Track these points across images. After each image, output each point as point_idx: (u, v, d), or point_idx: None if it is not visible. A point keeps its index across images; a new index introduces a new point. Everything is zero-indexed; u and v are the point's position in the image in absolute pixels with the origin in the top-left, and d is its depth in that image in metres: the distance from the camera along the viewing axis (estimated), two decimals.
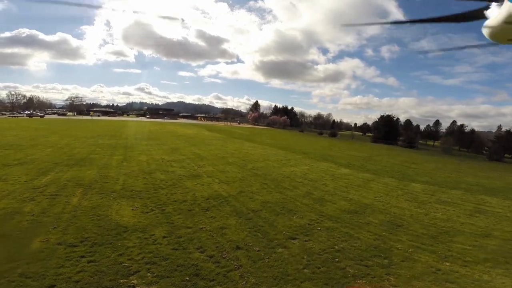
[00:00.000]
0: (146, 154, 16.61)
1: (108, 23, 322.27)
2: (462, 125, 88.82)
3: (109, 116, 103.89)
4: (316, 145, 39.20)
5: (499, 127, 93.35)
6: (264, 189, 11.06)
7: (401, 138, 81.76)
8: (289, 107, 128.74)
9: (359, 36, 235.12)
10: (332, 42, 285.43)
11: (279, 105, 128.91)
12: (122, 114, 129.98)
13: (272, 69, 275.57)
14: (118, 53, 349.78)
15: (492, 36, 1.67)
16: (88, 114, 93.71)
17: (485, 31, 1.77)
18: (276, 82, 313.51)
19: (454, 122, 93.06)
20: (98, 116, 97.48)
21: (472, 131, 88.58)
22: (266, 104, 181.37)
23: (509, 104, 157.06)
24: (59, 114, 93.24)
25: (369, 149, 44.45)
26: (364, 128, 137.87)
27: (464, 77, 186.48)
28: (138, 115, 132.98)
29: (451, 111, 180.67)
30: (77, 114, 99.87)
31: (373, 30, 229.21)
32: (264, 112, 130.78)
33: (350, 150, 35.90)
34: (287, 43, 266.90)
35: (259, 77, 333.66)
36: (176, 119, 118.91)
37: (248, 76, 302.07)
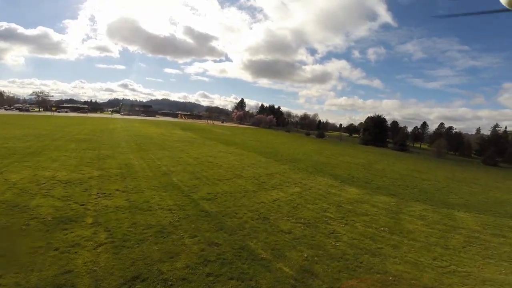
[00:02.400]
0: (33, 168, 10.27)
1: (92, 18, 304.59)
2: (450, 127, 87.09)
3: (78, 113, 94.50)
4: (305, 148, 33.85)
5: (478, 129, 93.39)
6: (212, 275, 5.18)
7: (389, 140, 78.90)
8: (276, 107, 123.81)
9: (347, 37, 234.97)
10: (321, 42, 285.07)
11: (266, 104, 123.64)
12: (95, 111, 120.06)
13: (261, 69, 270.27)
14: (102, 49, 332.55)
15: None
16: (57, 111, 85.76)
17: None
18: (264, 82, 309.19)
19: (442, 124, 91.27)
20: (66, 112, 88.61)
21: (459, 133, 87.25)
22: (253, 103, 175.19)
23: (485, 107, 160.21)
24: (21, 110, 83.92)
25: (363, 153, 39.73)
26: (351, 129, 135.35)
27: (445, 81, 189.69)
28: (113, 112, 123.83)
29: (431, 114, 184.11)
30: (44, 110, 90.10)
31: (361, 32, 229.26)
32: (251, 111, 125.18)
33: (344, 155, 30.78)
34: (276, 42, 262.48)
35: (247, 76, 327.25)
36: (155, 116, 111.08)
37: (236, 74, 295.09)
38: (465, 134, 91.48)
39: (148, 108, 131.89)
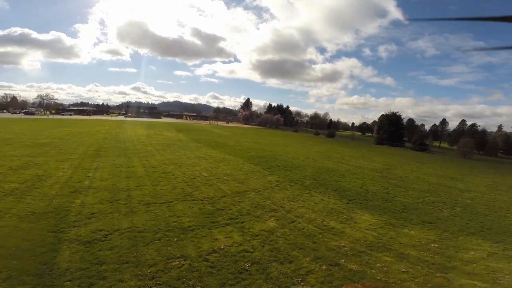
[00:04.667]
0: None
1: (102, 22, 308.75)
2: (473, 125, 79.76)
3: (82, 115, 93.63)
4: (310, 150, 29.37)
5: (500, 126, 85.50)
6: None
7: (406, 139, 72.66)
8: (285, 106, 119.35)
9: (357, 35, 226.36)
10: (330, 41, 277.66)
11: (274, 104, 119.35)
12: (102, 113, 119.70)
13: (269, 69, 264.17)
14: (113, 52, 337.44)
15: None
16: (61, 114, 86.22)
17: None
18: (273, 82, 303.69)
19: (463, 121, 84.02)
20: (70, 115, 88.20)
21: (484, 131, 79.81)
22: (262, 103, 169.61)
23: (504, 104, 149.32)
24: (27, 113, 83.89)
25: (379, 154, 34.75)
26: (364, 127, 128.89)
27: (460, 77, 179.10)
28: (120, 114, 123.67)
29: (447, 111, 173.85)
30: (49, 113, 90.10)
31: (371, 29, 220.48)
32: (259, 112, 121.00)
33: (357, 158, 26.10)
34: (284, 42, 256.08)
35: (256, 77, 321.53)
36: (160, 118, 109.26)
37: (245, 75, 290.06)
38: (489, 132, 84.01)
39: (153, 110, 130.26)
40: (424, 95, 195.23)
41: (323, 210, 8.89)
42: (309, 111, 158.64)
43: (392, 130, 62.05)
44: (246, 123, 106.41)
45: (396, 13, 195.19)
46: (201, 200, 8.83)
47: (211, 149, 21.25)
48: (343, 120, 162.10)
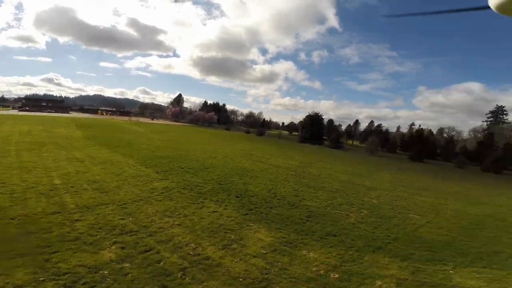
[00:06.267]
0: None
1: (20, 6, 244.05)
2: (379, 125, 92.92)
3: None
4: (233, 148, 27.58)
5: (398, 127, 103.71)
6: None
7: (325, 138, 79.37)
8: (221, 104, 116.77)
9: (296, 39, 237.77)
10: (272, 43, 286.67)
11: (210, 102, 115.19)
12: None
13: (211, 66, 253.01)
14: (25, 39, 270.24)
15: (501, 9, 1.91)
16: None
17: (492, 3, 2.00)
18: (213, 80, 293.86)
19: (372, 122, 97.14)
20: None
21: (387, 131, 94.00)
22: (199, 101, 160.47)
23: (403, 108, 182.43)
24: None
25: (299, 152, 35.64)
26: (291, 127, 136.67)
27: (374, 84, 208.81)
28: (14, 107, 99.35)
29: (360, 114, 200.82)
30: None
31: (309, 35, 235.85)
32: (193, 109, 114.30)
33: (277, 157, 25.53)
34: (230, 40, 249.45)
35: (196, 73, 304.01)
36: (68, 112, 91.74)
37: (183, 71, 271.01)
38: (390, 132, 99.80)
39: (59, 103, 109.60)
40: (344, 99, 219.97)
41: (207, 228, 6.76)
42: (245, 110, 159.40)
43: (314, 130, 66.52)
44: (175, 120, 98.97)
45: (333, 21, 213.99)
46: (13, 219, 5.59)
47: (104, 148, 17.04)
48: (275, 119, 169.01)
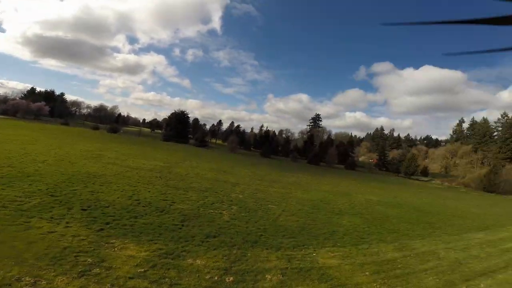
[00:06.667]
0: None
1: None
2: (238, 126, 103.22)
3: None
4: (73, 149, 21.58)
5: (252, 129, 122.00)
6: None
7: (191, 136, 79.34)
8: (59, 93, 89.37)
9: (174, 34, 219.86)
10: (146, 33, 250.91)
11: (41, 89, 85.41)
12: None
13: (52, 47, 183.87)
14: None
15: None
16: None
17: None
18: (50, 63, 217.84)
19: (232, 123, 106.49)
20: None
21: (244, 131, 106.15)
22: (24, 87, 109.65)
23: (256, 112, 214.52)
24: None
25: (164, 152, 33.25)
26: (154, 124, 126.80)
27: (236, 88, 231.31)
28: None
29: (223, 115, 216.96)
30: None
31: (189, 32, 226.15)
32: (14, 97, 79.54)
33: (138, 157, 22.45)
34: (91, 21, 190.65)
35: (25, 54, 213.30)
36: None
37: (5, 49, 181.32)
38: (246, 132, 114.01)
39: None
40: (211, 100, 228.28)
41: (44, 254, 4.65)
42: (95, 102, 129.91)
43: (179, 128, 64.68)
44: None
45: (216, 23, 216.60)
46: None
47: None
48: (134, 115, 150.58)
